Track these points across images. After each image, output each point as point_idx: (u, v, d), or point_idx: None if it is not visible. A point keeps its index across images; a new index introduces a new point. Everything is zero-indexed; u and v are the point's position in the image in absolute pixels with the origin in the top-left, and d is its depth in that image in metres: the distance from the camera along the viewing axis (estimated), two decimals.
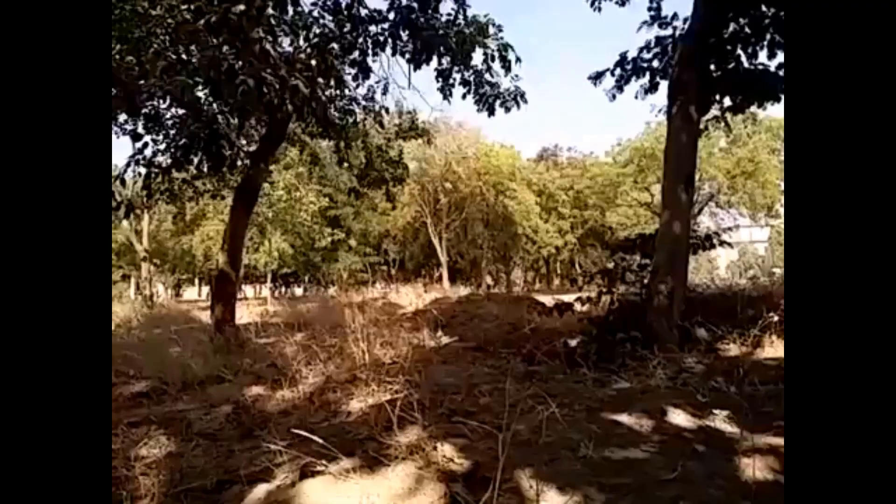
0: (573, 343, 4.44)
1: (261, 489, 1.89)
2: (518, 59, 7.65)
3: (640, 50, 6.09)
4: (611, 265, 5.45)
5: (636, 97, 6.39)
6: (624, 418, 2.58)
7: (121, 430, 2.55)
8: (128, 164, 7.10)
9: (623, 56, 6.18)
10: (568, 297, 5.75)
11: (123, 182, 7.49)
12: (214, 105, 7.97)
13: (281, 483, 1.91)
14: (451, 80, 7.97)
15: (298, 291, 33.45)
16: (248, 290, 25.97)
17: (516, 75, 7.71)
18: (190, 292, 32.94)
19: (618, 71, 6.23)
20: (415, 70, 8.46)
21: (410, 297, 11.62)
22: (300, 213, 21.43)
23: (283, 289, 31.51)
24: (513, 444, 1.93)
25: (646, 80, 6.16)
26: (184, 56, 7.13)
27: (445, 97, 8.13)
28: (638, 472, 1.96)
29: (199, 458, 2.31)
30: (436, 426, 2.28)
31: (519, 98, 7.87)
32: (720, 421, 2.51)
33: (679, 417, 2.58)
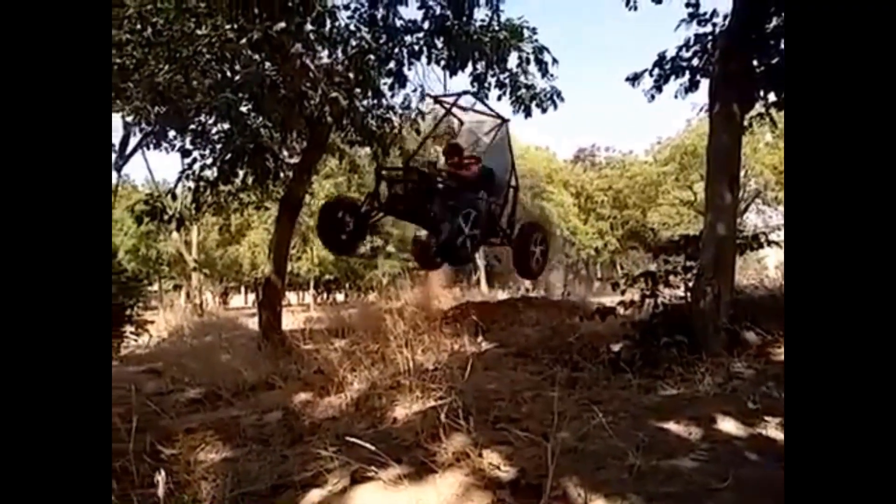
0: (616, 348, 4.37)
1: (314, 494, 1.97)
2: (555, 61, 7.63)
3: (679, 48, 5.96)
4: (654, 267, 5.35)
5: (676, 96, 6.25)
6: (671, 426, 2.54)
7: (180, 436, 2.68)
8: (178, 179, 7.47)
9: (661, 55, 6.07)
10: (609, 301, 5.65)
11: (174, 196, 7.87)
12: (258, 119, 8.27)
13: (333, 489, 1.98)
14: (486, 84, 8.01)
15: (340, 297, 34.04)
16: (291, 296, 26.65)
17: (552, 75, 7.69)
18: (237, 300, 34.03)
19: (656, 71, 6.12)
20: (450, 76, 8.54)
21: (448, 301, 11.66)
22: None
23: (325, 295, 32.16)
24: (559, 452, 1.93)
25: (685, 78, 6.03)
26: (228, 73, 7.43)
27: (480, 100, 8.17)
28: (687, 481, 1.93)
29: (253, 462, 2.40)
30: (481, 433, 2.31)
31: (556, 97, 7.83)
32: (772, 429, 2.43)
33: (729, 425, 2.52)
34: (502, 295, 14.05)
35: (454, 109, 6.71)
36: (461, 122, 7.43)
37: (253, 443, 2.73)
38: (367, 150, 10.81)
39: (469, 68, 7.96)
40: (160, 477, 1.65)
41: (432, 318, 6.70)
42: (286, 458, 2.46)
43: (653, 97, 6.39)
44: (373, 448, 2.02)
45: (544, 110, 7.86)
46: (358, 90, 8.11)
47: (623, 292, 5.24)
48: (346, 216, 5.84)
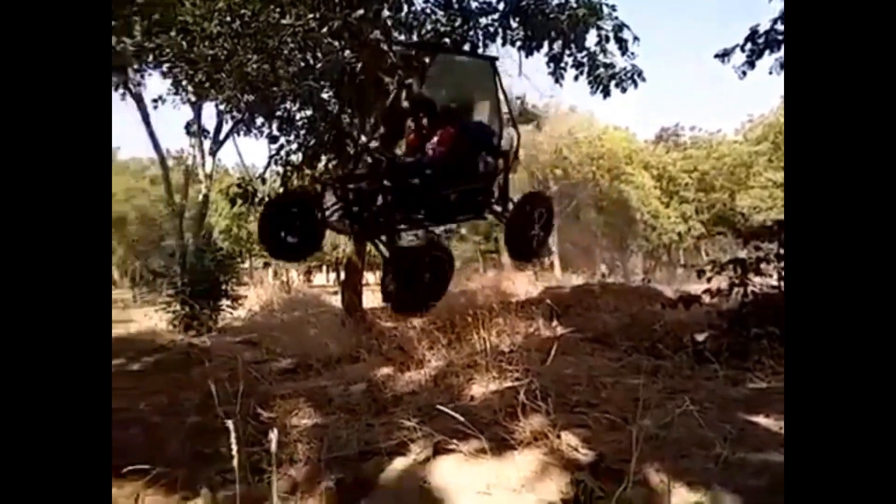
0: (701, 338, 4.20)
1: (399, 462, 2.09)
2: (636, 38, 7.27)
3: (774, 21, 5.50)
4: (743, 254, 5.03)
5: (770, 72, 5.79)
6: (761, 419, 2.42)
7: (276, 402, 2.91)
8: (267, 164, 7.93)
9: (754, 30, 5.63)
10: (693, 289, 5.40)
11: (264, 180, 8.37)
12: (338, 105, 8.56)
13: (416, 458, 2.09)
14: (562, 64, 7.80)
15: None
16: (369, 276, 27.60)
17: (632, 53, 7.34)
18: (319, 278, 35.74)
19: (748, 46, 5.69)
20: (526, 57, 8.39)
21: (521, 285, 11.61)
22: None
23: None
24: (641, 439, 1.92)
25: (780, 53, 5.56)
26: (311, 61, 7.74)
27: (557, 81, 7.98)
28: (777, 475, 1.86)
29: (341, 429, 2.57)
30: (558, 416, 2.33)
31: (636, 77, 7.48)
32: None
33: None
34: (577, 280, 13.77)
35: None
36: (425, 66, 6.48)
37: (340, 411, 2.92)
38: None
39: (545, 48, 7.77)
40: (273, 435, 1.82)
41: (506, 301, 6.72)
42: (371, 427, 2.61)
43: (744, 73, 5.95)
44: (460, 418, 2.10)
45: (624, 90, 7.53)
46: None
47: (709, 280, 4.98)
48: (297, 215, 4.51)
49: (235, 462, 1.86)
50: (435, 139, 4.46)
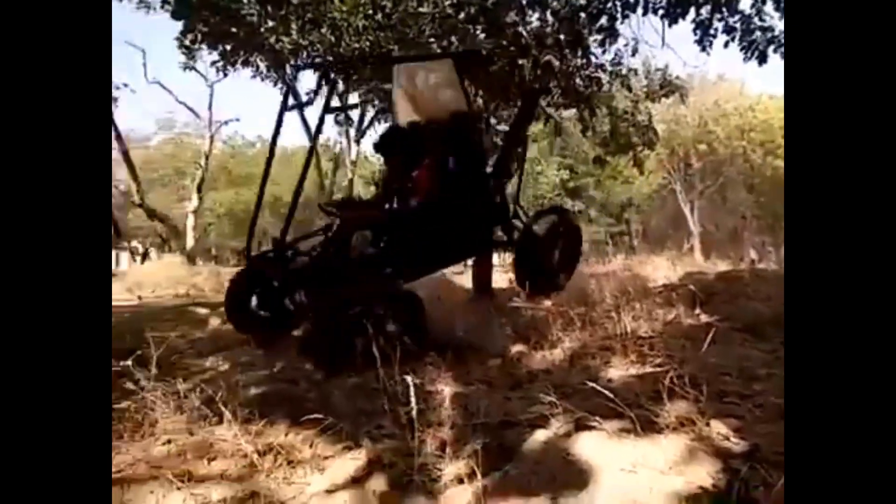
0: None
1: (539, 434, 2.17)
2: None
3: None
4: None
5: None
6: None
7: (423, 369, 3.15)
8: None
9: None
10: None
11: None
12: (470, 89, 8.73)
13: (557, 431, 2.16)
14: (711, 30, 7.15)
15: None
16: (493, 257, 27.99)
17: None
18: None
19: None
20: (670, 26, 7.83)
21: (657, 269, 10.97)
22: (542, 185, 22.01)
23: None
24: None
25: None
26: (447, 48, 7.96)
27: (703, 49, 7.35)
28: None
29: (482, 400, 2.72)
30: (706, 403, 2.24)
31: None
32: None
33: None
34: (722, 265, 12.66)
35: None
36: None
37: (479, 383, 3.08)
38: (573, 111, 10.62)
39: (691, 14, 7.19)
40: (412, 396, 2.02)
41: (642, 285, 6.45)
42: (509, 400, 2.73)
43: None
44: (608, 394, 2.13)
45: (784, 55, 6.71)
46: (567, 51, 7.98)
47: None
48: (257, 292, 4.02)
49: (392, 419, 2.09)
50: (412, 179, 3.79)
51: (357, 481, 2.06)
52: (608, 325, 4.09)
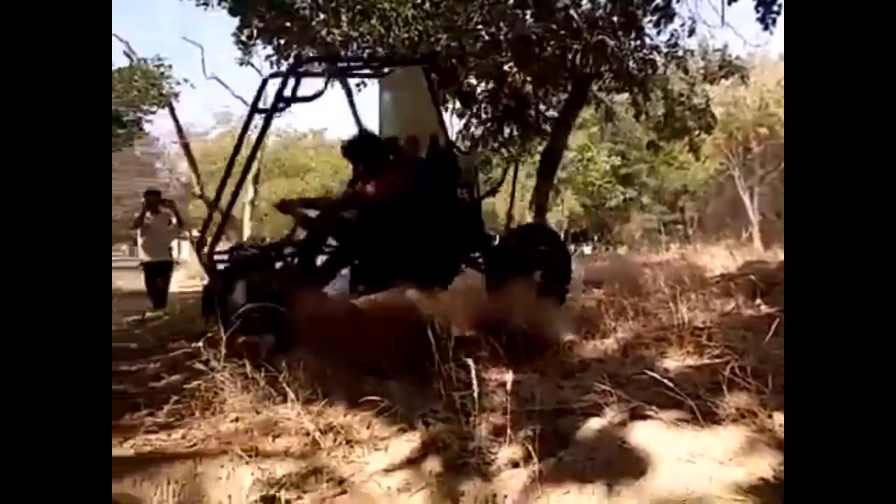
0: None
1: (594, 422, 2.17)
2: None
3: None
4: None
5: None
6: None
7: (478, 354, 3.19)
8: (455, 139, 8.43)
9: None
10: None
11: None
12: (519, 76, 8.64)
13: (612, 420, 2.15)
14: (773, 7, 6.77)
15: (587, 250, 33.93)
16: None
17: None
18: None
19: None
20: (729, 3, 7.47)
21: (714, 259, 10.57)
22: (591, 172, 21.54)
23: (572, 247, 32.50)
24: None
25: None
26: (495, 34, 7.89)
27: (766, 27, 6.98)
28: None
29: (535, 387, 2.74)
30: (769, 396, 2.18)
31: None
32: None
33: None
34: (783, 254, 12.05)
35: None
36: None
37: (530, 371, 3.10)
38: (626, 95, 10.32)
39: None
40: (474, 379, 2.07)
41: (698, 275, 6.24)
42: (562, 388, 2.74)
43: None
44: (668, 383, 2.11)
45: None
46: (620, 33, 7.75)
47: None
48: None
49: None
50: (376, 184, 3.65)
51: (413, 462, 2.13)
52: (663, 316, 4.00)
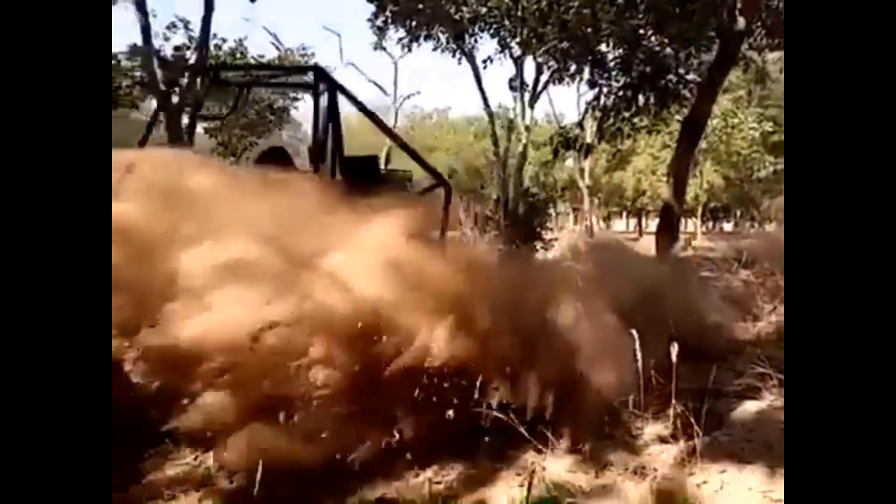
0: None
1: (750, 405, 2.09)
2: None
3: None
4: None
5: None
6: None
7: None
8: (585, 110, 8.15)
9: None
10: None
11: (582, 126, 8.63)
12: (654, 39, 8.04)
13: (770, 403, 2.05)
14: None
15: (727, 227, 30.98)
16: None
17: None
18: (618, 225, 35.25)
19: None
20: None
21: None
22: (737, 141, 19.50)
23: (711, 223, 29.88)
24: None
25: None
26: None
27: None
28: None
29: (683, 369, 2.65)
30: None
31: None
32: None
33: None
34: None
35: None
36: None
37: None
38: (779, 54, 9.17)
39: None
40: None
41: None
42: (711, 369, 2.63)
43: None
44: None
45: None
46: None
47: None
48: None
49: None
50: None
51: None
52: None
